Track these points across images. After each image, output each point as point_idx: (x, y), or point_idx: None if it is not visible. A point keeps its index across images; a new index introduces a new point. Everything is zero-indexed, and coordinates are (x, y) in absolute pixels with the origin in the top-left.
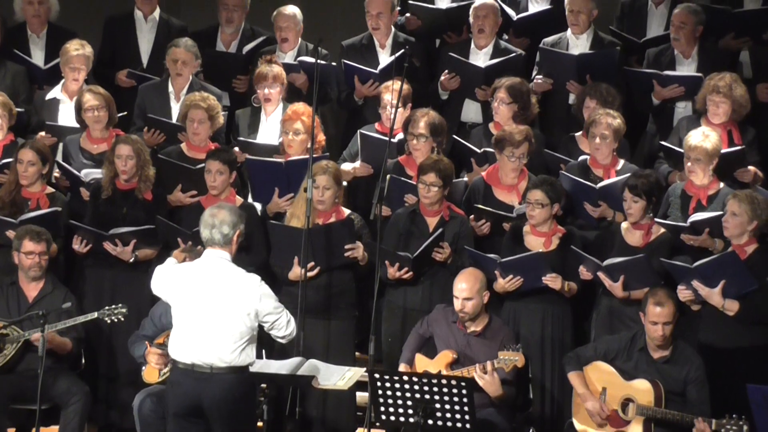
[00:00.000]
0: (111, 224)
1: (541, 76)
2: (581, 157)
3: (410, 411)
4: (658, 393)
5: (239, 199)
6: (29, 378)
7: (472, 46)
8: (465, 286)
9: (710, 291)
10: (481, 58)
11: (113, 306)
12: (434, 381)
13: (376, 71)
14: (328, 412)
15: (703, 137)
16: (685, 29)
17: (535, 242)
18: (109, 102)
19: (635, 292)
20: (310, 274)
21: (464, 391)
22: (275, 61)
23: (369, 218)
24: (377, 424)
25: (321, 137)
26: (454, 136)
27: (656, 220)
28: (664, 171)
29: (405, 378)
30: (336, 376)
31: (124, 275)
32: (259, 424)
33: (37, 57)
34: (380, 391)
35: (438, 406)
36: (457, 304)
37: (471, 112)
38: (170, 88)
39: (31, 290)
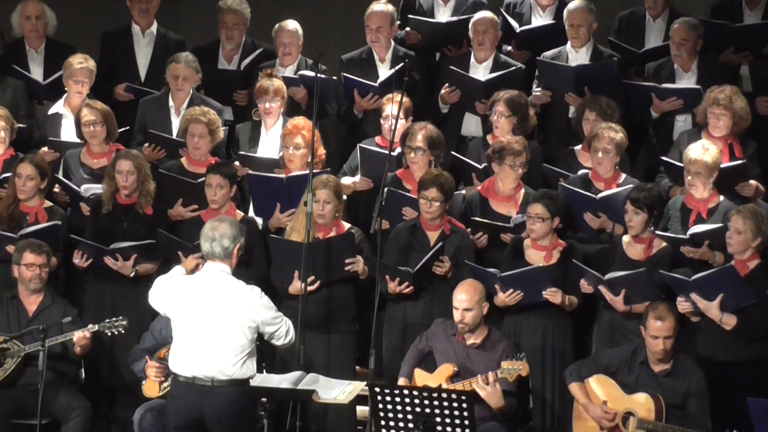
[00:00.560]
0: (111, 239)
1: (539, 89)
2: (581, 171)
3: (411, 425)
4: (658, 407)
5: (240, 213)
6: (30, 392)
7: (472, 59)
8: (464, 297)
9: (708, 304)
10: (480, 71)
11: (114, 318)
12: (434, 395)
13: (376, 85)
14: (329, 426)
15: (703, 150)
16: (686, 45)
17: (536, 256)
18: (107, 117)
19: (636, 305)
20: (310, 288)
21: (464, 405)
22: (275, 75)
23: (369, 232)
24: None
25: (321, 151)
26: (453, 153)
27: (657, 233)
28: (665, 185)
29: (405, 392)
30: (336, 390)
31: (125, 290)
32: None
33: (36, 72)
34: (381, 405)
35: (438, 419)
36: (457, 315)
37: (471, 125)
38: (170, 102)
39: (31, 304)
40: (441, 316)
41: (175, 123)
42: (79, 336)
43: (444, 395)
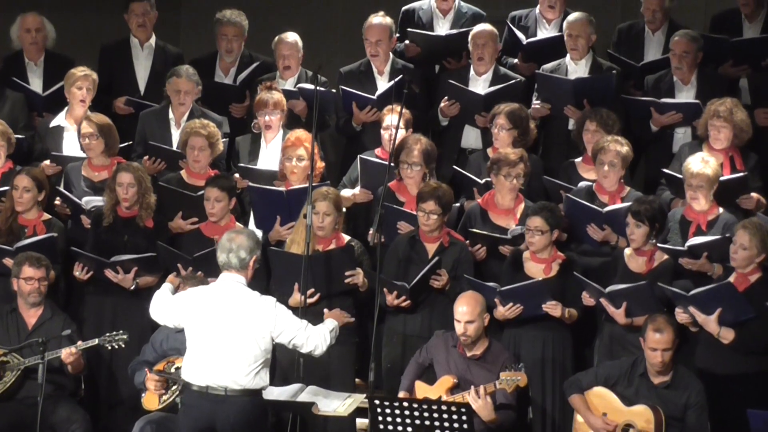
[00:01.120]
0: (112, 251)
1: (539, 102)
2: (582, 183)
3: None
4: (658, 419)
5: (239, 226)
6: (29, 405)
7: (472, 72)
8: (466, 309)
9: (706, 318)
10: (480, 84)
11: (114, 333)
12: (434, 407)
13: (374, 97)
14: None
15: (703, 163)
16: (687, 58)
17: (535, 269)
18: (104, 130)
19: (638, 318)
20: (310, 300)
21: (464, 417)
22: (275, 87)
23: (368, 244)
24: None
25: (320, 164)
26: (455, 167)
27: (658, 245)
28: (666, 198)
29: (405, 404)
30: (336, 403)
31: (125, 302)
32: None
33: (35, 84)
34: (380, 418)
35: (438, 431)
36: (459, 328)
37: (471, 138)
38: (170, 115)
39: (31, 317)
40: (440, 329)
41: (175, 135)
42: (66, 353)
43: (444, 407)
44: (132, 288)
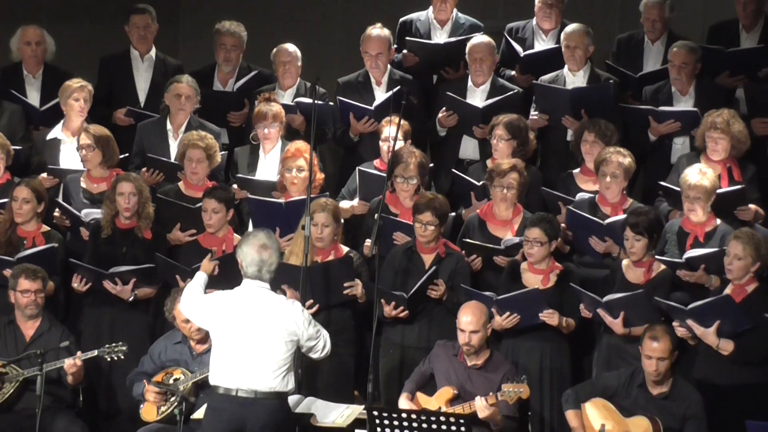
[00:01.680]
0: (110, 263)
1: (536, 113)
2: (584, 195)
3: None
4: (656, 430)
5: (237, 237)
6: (27, 417)
7: (470, 83)
8: (471, 319)
9: (705, 331)
10: (478, 95)
11: (114, 344)
12: (433, 418)
13: (371, 108)
14: None
15: (701, 175)
16: (686, 69)
17: (533, 279)
18: (103, 141)
19: (636, 328)
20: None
21: (463, 428)
22: (274, 99)
23: (367, 256)
24: None
25: (320, 176)
26: (453, 170)
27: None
28: (664, 210)
29: (404, 415)
30: (335, 414)
31: (123, 313)
32: None
33: (33, 97)
34: (379, 429)
35: None
36: (463, 338)
37: (468, 149)
38: (168, 126)
39: (28, 329)
40: (438, 339)
41: (173, 146)
42: (69, 363)
43: (442, 418)
44: (130, 299)
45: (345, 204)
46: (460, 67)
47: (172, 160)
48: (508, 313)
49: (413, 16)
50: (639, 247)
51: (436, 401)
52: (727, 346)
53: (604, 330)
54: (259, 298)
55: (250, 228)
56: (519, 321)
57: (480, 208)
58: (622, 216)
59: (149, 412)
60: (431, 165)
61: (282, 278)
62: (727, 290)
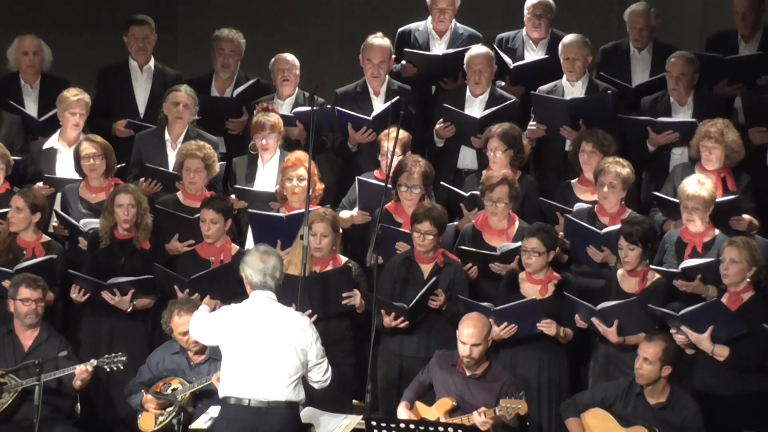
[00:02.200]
0: (109, 274)
1: (534, 123)
2: (583, 205)
3: None
4: None
5: (235, 247)
6: (25, 427)
7: (468, 93)
8: (473, 332)
9: (699, 337)
10: (476, 105)
11: (113, 354)
12: (431, 428)
13: (369, 118)
14: None
15: (699, 185)
16: (684, 79)
17: (531, 289)
18: (107, 151)
19: (630, 337)
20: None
21: None
22: (272, 108)
23: (365, 266)
24: None
25: (320, 186)
26: (442, 182)
27: (650, 266)
28: (658, 220)
29: (402, 425)
30: (333, 424)
31: (121, 324)
32: None
33: (31, 107)
34: None
35: None
36: (465, 350)
37: (467, 159)
38: (166, 137)
39: (27, 338)
40: (436, 349)
41: (171, 157)
42: (81, 369)
43: (441, 429)
44: (129, 310)
45: (345, 214)
46: (458, 77)
47: (170, 170)
48: (505, 324)
49: (412, 26)
50: (633, 257)
51: (435, 412)
52: (722, 352)
53: (600, 339)
54: (268, 309)
55: (249, 238)
56: (517, 331)
57: (472, 218)
58: (619, 226)
59: (147, 422)
60: None
61: (281, 289)
62: (724, 299)
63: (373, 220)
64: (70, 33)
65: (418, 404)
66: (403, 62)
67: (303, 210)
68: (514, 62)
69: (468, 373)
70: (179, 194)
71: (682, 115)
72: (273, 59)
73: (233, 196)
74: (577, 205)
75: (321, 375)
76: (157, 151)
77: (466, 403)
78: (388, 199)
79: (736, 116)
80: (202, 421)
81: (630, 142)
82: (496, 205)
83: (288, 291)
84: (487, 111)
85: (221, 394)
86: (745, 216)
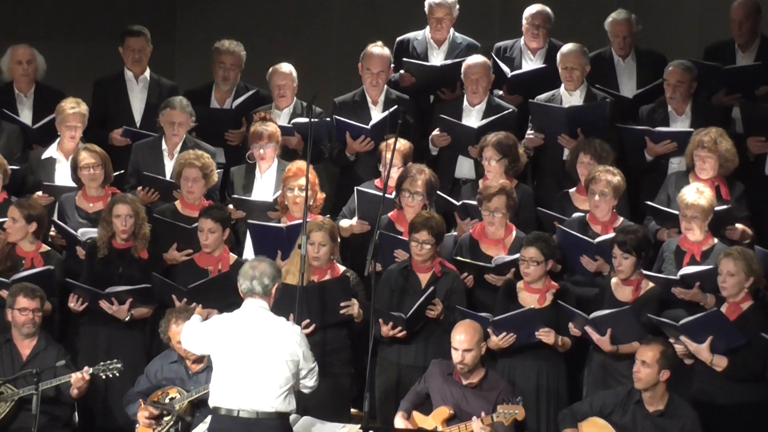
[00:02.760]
0: (107, 283)
1: (533, 132)
2: (577, 213)
3: None
4: None
5: (233, 256)
6: None
7: (465, 103)
8: (464, 338)
9: (698, 347)
10: (474, 115)
11: (108, 362)
12: None
13: (367, 127)
14: None
15: (698, 194)
16: (681, 88)
17: (530, 299)
18: (105, 160)
19: (623, 346)
20: (305, 331)
21: None
22: (270, 118)
23: (363, 275)
24: None
25: (320, 195)
26: (438, 192)
27: (645, 273)
28: (652, 228)
29: None
30: None
31: (119, 333)
32: None
33: (25, 116)
34: None
35: None
36: (457, 356)
37: (465, 168)
38: (164, 146)
39: (25, 347)
40: (434, 359)
41: (169, 166)
42: (77, 377)
43: None
44: (127, 319)
45: (344, 223)
46: (456, 87)
47: (169, 179)
48: (504, 333)
49: (410, 35)
50: (627, 266)
51: (433, 421)
52: (720, 362)
53: (594, 348)
54: (259, 319)
55: (247, 247)
56: (515, 340)
57: (465, 227)
58: (612, 234)
59: (145, 431)
60: None
61: (278, 298)
62: (723, 309)
63: (372, 228)
64: (66, 42)
65: (416, 414)
66: (402, 72)
67: (301, 221)
68: (512, 71)
69: (464, 382)
70: (177, 203)
71: (680, 124)
72: (270, 70)
73: (231, 206)
74: (575, 215)
75: (313, 380)
76: (154, 161)
77: (463, 412)
78: (387, 208)
79: (734, 126)
80: (200, 430)
81: (628, 152)
82: (494, 215)
83: (286, 300)
84: (485, 121)
85: (211, 405)
86: (738, 225)
